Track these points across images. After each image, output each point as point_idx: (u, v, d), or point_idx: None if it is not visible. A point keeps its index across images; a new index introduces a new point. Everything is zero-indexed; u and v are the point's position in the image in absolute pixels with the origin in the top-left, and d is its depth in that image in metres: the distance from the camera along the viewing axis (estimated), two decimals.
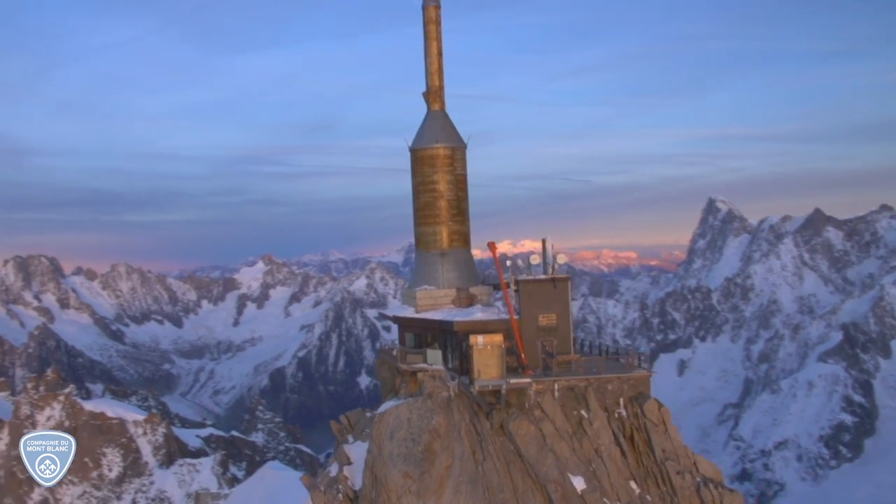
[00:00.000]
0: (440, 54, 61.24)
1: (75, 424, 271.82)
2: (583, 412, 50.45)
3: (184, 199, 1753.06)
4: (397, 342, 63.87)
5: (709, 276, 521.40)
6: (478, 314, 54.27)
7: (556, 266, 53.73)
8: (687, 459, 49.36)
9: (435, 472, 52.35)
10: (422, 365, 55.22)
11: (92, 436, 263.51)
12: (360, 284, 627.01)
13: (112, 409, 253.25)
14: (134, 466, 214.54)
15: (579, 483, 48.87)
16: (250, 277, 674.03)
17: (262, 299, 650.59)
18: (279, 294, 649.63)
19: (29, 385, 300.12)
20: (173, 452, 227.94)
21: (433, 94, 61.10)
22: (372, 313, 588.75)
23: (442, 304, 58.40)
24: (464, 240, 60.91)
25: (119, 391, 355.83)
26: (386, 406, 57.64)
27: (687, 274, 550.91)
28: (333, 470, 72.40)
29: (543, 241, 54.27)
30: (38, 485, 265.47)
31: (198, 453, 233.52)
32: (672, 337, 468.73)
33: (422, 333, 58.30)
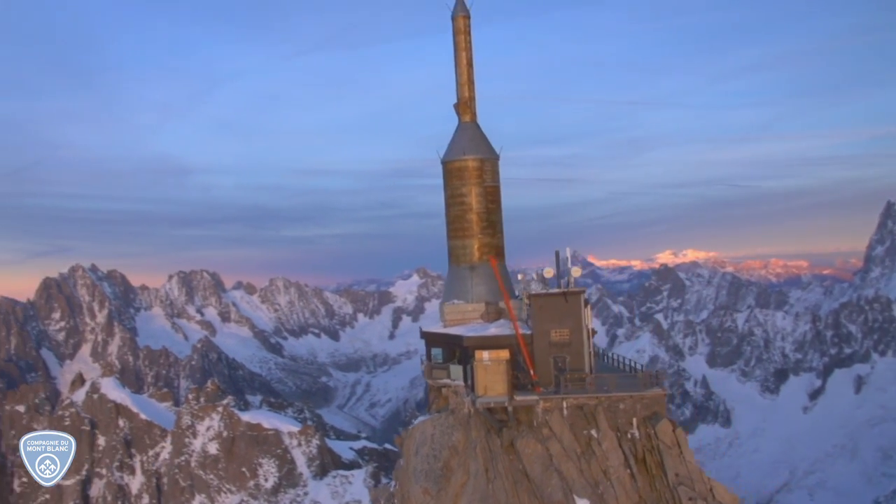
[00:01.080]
0: (470, 65, 61.41)
1: (233, 435, 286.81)
2: (592, 432, 49.32)
3: (339, 213, 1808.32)
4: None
5: (888, 285, 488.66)
6: (492, 329, 54.05)
7: (572, 279, 52.91)
8: (702, 485, 47.24)
9: (451, 490, 52.77)
10: (445, 381, 55.64)
11: (249, 446, 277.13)
12: None
13: (268, 420, 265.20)
14: (289, 477, 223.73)
15: None
16: (405, 290, 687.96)
17: (417, 312, 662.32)
18: (434, 307, 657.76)
19: (190, 396, 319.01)
20: (327, 464, 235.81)
21: (463, 106, 61.27)
22: None
23: (470, 319, 58.45)
24: (495, 252, 60.69)
25: (276, 403, 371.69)
26: (417, 421, 58.54)
27: (864, 283, 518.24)
28: (393, 484, 74.19)
29: (557, 254, 53.54)
30: (199, 492, 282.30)
31: (351, 465, 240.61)
32: (847, 351, 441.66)
33: (448, 349, 58.55)
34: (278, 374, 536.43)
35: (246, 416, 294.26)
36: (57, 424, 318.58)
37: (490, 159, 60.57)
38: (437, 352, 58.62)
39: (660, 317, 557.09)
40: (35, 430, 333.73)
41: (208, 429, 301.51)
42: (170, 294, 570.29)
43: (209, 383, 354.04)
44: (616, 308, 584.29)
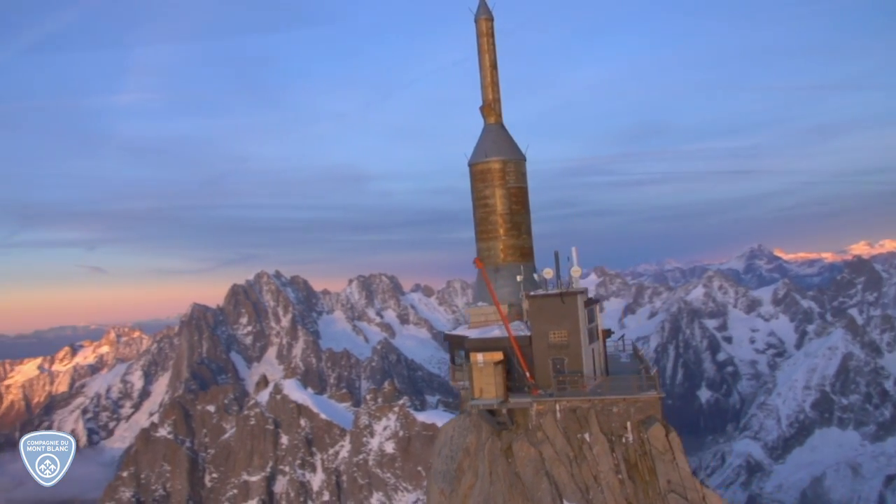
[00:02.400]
0: (494, 67, 61.35)
1: (409, 434, 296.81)
2: (585, 435, 48.45)
3: None
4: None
5: None
6: (495, 331, 54.00)
7: (573, 280, 52.14)
8: (695, 493, 45.36)
9: (460, 491, 53.52)
10: (464, 382, 56.26)
11: (424, 445, 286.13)
12: (697, 294, 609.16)
13: (442, 420, 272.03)
14: None
15: None
16: None
17: None
18: (613, 306, 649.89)
19: (368, 397, 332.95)
20: None
21: (488, 108, 61.40)
22: (711, 324, 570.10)
23: (493, 321, 58.51)
24: (520, 254, 60.36)
25: (452, 403, 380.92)
26: (445, 422, 59.58)
27: None
28: None
29: (556, 254, 52.91)
30: (377, 490, 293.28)
31: None
32: None
33: (466, 351, 58.93)
34: None
35: (421, 416, 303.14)
36: (243, 424, 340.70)
37: (514, 160, 60.25)
38: (460, 354, 59.19)
39: (854, 311, 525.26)
40: (224, 429, 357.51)
41: (385, 428, 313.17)
42: (350, 298, 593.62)
43: (386, 384, 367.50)
44: (805, 303, 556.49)
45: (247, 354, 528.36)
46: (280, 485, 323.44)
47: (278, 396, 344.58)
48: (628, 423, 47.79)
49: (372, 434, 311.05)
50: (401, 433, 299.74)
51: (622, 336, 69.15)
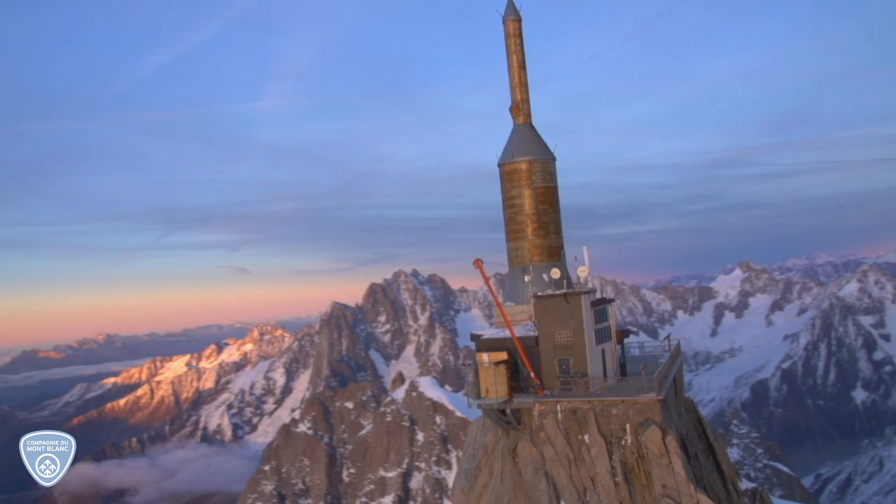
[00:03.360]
0: (521, 67, 61.30)
1: None
2: (585, 437, 48.09)
3: (656, 208, 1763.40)
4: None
5: None
6: (506, 332, 54.07)
7: (581, 280, 51.76)
8: (689, 498, 44.31)
9: (477, 489, 54.30)
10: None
11: None
12: (850, 289, 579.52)
13: None
14: None
15: None
16: (727, 286, 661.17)
17: (740, 308, 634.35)
18: (759, 302, 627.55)
19: None
20: None
21: (516, 108, 61.48)
22: (867, 321, 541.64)
23: (520, 321, 58.53)
24: (548, 254, 60.02)
25: None
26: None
27: None
28: None
29: (563, 253, 52.48)
30: None
31: None
32: None
33: None
34: None
35: None
36: (380, 421, 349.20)
37: (540, 160, 59.96)
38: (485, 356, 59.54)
39: None
40: (362, 425, 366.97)
41: None
42: (487, 296, 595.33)
43: None
44: None
45: (385, 352, 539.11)
46: (416, 481, 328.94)
47: (414, 394, 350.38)
48: (627, 426, 47.08)
49: None
50: None
51: (668, 336, 67.62)
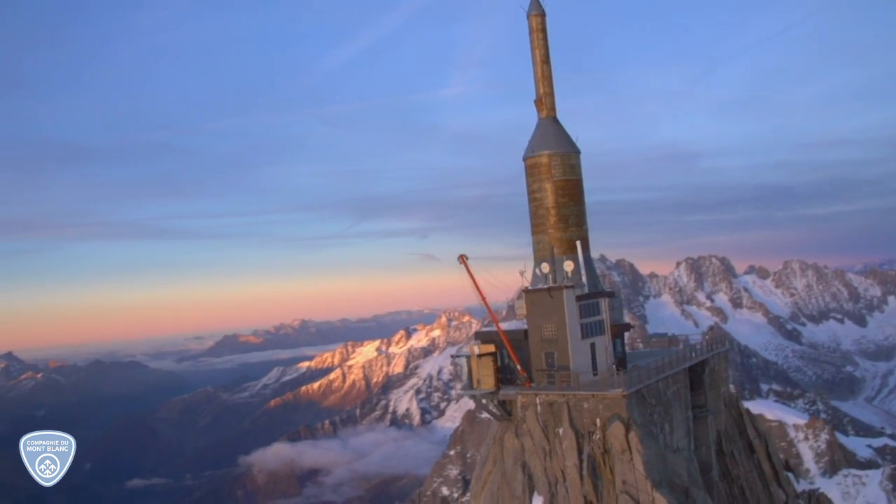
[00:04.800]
0: (545, 61, 61.81)
1: None
2: (560, 430, 48.83)
3: (861, 186, 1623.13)
4: None
5: None
6: (503, 324, 55.29)
7: (567, 275, 52.26)
8: (646, 495, 44.28)
9: (483, 477, 56.73)
10: None
11: None
12: None
13: (772, 411, 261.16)
14: (794, 473, 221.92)
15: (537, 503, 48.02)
16: None
17: None
18: None
19: None
20: (837, 461, 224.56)
21: (539, 102, 62.21)
22: None
23: None
24: (567, 247, 60.43)
25: (784, 393, 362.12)
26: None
27: None
28: None
29: (552, 248, 53.05)
30: None
31: (867, 464, 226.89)
32: None
33: None
34: (795, 363, 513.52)
35: (748, 406, 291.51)
36: None
37: (560, 154, 60.33)
38: None
39: None
40: None
41: None
42: (679, 281, 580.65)
43: None
44: None
45: None
46: None
47: None
48: (598, 420, 47.43)
49: None
50: None
51: (711, 328, 66.04)
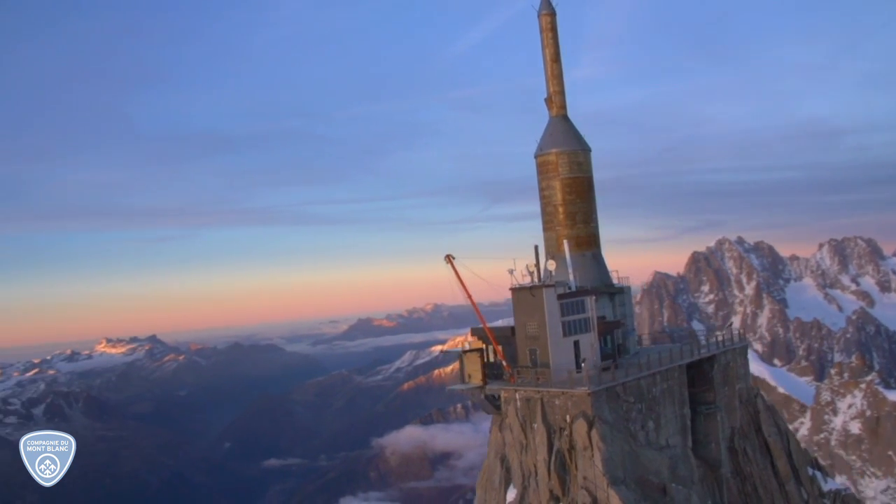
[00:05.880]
0: (555, 60, 63.77)
1: (877, 414, 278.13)
2: (535, 425, 51.12)
3: None
4: None
5: None
6: (499, 322, 57.72)
7: (551, 274, 54.24)
8: (602, 492, 46.14)
9: (483, 468, 59.49)
10: None
11: (895, 427, 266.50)
12: None
13: None
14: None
15: (511, 496, 50.60)
16: None
17: None
18: None
19: (832, 371, 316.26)
20: None
21: (550, 101, 64.11)
22: None
23: None
24: (576, 243, 62.28)
25: None
26: None
27: None
28: None
29: (536, 248, 55.02)
30: (840, 473, 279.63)
31: None
32: None
33: None
34: None
35: (893, 396, 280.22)
36: None
37: (567, 152, 62.26)
38: None
39: None
40: None
41: (850, 406, 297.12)
42: (821, 263, 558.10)
43: (853, 358, 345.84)
44: None
45: (709, 323, 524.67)
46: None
47: None
48: (567, 417, 49.48)
49: (835, 412, 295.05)
50: (868, 413, 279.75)
51: (728, 325, 66.15)
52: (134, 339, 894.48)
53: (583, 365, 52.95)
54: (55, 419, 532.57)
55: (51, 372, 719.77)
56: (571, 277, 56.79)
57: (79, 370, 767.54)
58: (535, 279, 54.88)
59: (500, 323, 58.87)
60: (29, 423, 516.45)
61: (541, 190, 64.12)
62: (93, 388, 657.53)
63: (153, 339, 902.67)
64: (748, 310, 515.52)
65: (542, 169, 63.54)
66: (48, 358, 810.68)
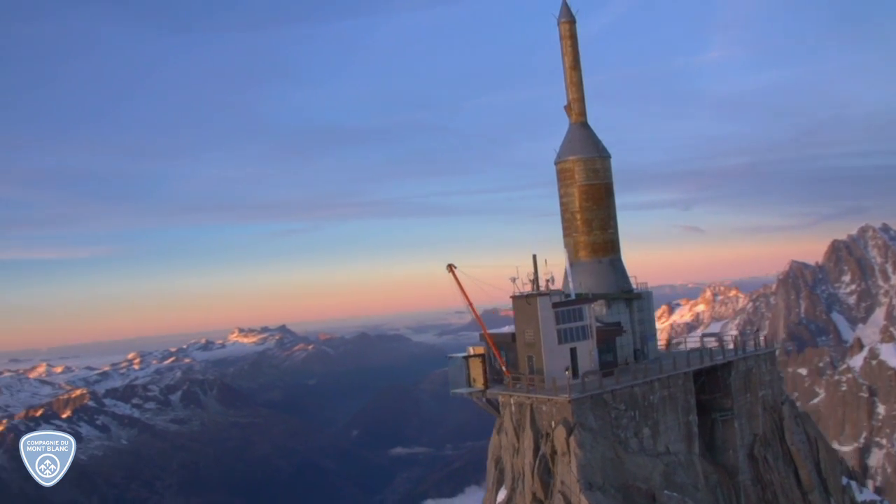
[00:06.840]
0: (574, 67, 65.34)
1: None
2: (525, 429, 53.55)
3: None
4: None
5: None
6: (505, 328, 60.11)
7: (549, 283, 56.27)
8: (576, 497, 48.16)
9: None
10: None
11: None
12: None
13: None
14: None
15: (501, 496, 53.38)
16: None
17: None
18: None
19: None
20: None
21: (569, 108, 65.82)
22: None
23: None
24: (591, 249, 63.90)
25: None
26: None
27: None
28: None
29: (534, 257, 57.01)
30: None
31: None
32: None
33: None
34: None
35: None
36: (833, 389, 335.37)
37: (584, 159, 63.83)
38: None
39: None
40: (816, 393, 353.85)
41: None
42: None
43: None
44: None
45: (850, 315, 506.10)
46: (875, 458, 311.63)
47: (874, 362, 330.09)
48: (552, 422, 51.72)
49: None
50: None
51: (740, 332, 66.22)
52: (265, 329, 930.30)
53: (574, 371, 55.05)
54: (191, 405, 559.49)
55: (187, 360, 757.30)
56: (571, 286, 58.59)
57: (213, 359, 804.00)
58: (537, 286, 56.96)
59: (506, 329, 61.07)
60: (167, 408, 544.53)
61: (560, 197, 65.92)
62: (226, 375, 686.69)
63: (283, 328, 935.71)
64: (894, 301, 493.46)
65: (562, 176, 65.32)
66: (184, 347, 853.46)
